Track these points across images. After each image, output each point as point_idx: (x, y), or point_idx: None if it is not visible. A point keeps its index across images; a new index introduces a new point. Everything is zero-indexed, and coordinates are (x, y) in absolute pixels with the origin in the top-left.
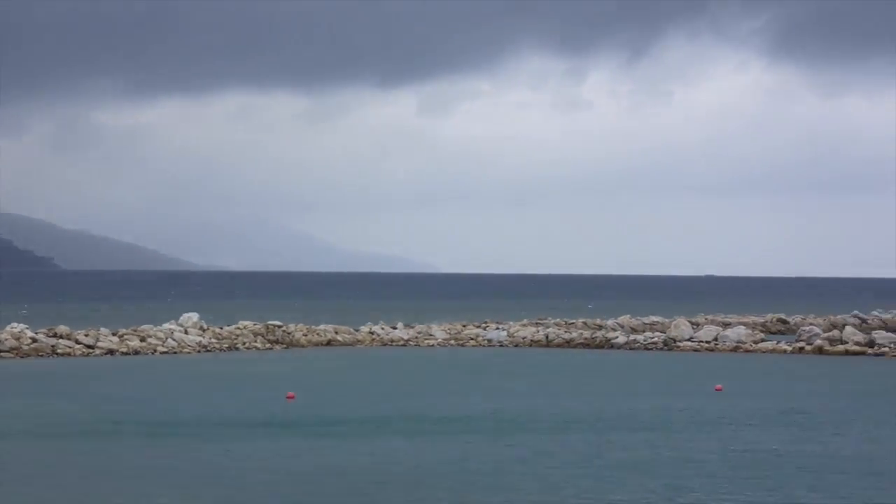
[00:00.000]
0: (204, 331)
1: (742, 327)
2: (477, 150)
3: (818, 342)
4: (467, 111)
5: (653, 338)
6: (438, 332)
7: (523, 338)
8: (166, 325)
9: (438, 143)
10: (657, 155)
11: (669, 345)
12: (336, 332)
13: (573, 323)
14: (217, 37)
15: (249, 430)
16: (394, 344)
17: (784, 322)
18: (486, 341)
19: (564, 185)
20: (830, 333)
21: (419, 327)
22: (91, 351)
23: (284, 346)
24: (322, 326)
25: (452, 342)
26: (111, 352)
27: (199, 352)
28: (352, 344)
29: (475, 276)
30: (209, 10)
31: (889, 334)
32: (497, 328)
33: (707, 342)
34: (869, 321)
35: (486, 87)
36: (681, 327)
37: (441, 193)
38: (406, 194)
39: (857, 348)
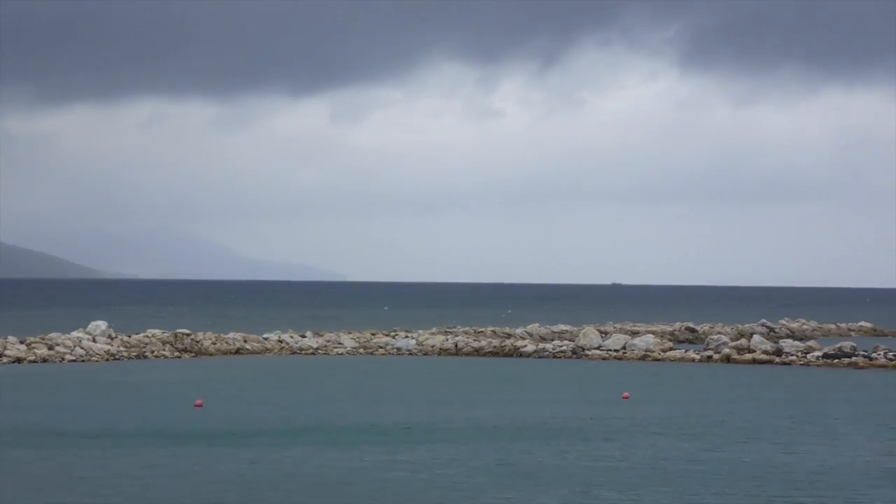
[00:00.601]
0: (112, 339)
1: (650, 336)
2: (388, 159)
3: (726, 351)
4: (379, 120)
5: (561, 346)
6: (347, 340)
7: (432, 346)
8: (74, 334)
9: (350, 151)
10: (569, 163)
11: (578, 353)
12: (245, 341)
13: (482, 331)
14: (128, 44)
15: (156, 439)
16: (303, 352)
17: (692, 331)
18: (395, 350)
19: (476, 193)
20: (738, 342)
21: (328, 336)
22: None
23: (193, 354)
24: (231, 335)
25: (361, 350)
26: (19, 360)
27: (107, 360)
28: (260, 352)
29: (384, 284)
30: (120, 16)
31: (796, 343)
32: (406, 337)
33: (615, 351)
34: (776, 330)
35: (399, 96)
36: (589, 336)
37: (351, 202)
38: (316, 203)
39: (764, 357)
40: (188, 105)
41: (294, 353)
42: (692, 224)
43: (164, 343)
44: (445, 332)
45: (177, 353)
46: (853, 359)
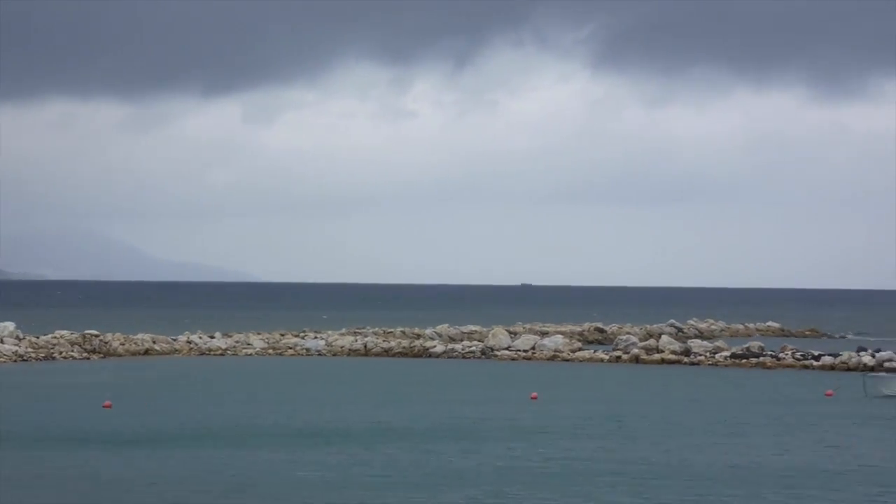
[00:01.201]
0: (20, 340)
1: (559, 336)
2: (301, 160)
3: (635, 351)
4: (292, 121)
5: (471, 347)
6: (256, 341)
7: (341, 347)
8: None
9: (262, 152)
10: (481, 164)
11: (487, 354)
12: (153, 342)
13: (391, 332)
14: (38, 44)
15: (65, 440)
16: (212, 353)
17: (601, 331)
18: (304, 350)
19: (388, 194)
20: (647, 342)
21: (237, 336)
22: None
23: (101, 355)
24: (139, 336)
25: (271, 351)
26: None
27: (14, 361)
28: (169, 353)
29: (296, 285)
30: (30, 16)
31: (704, 343)
32: (315, 337)
33: (525, 351)
34: (685, 330)
35: (311, 97)
36: (498, 336)
37: (264, 203)
38: (228, 204)
39: (673, 357)
40: (99, 105)
41: (203, 353)
42: (602, 225)
43: (72, 344)
44: (355, 332)
45: (85, 354)
46: (761, 359)
